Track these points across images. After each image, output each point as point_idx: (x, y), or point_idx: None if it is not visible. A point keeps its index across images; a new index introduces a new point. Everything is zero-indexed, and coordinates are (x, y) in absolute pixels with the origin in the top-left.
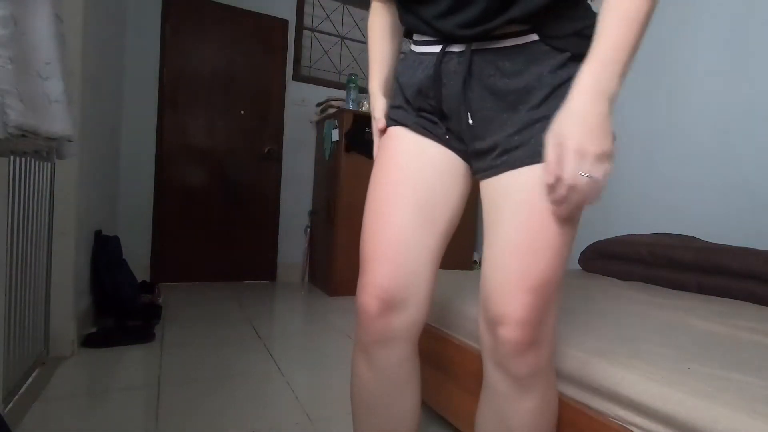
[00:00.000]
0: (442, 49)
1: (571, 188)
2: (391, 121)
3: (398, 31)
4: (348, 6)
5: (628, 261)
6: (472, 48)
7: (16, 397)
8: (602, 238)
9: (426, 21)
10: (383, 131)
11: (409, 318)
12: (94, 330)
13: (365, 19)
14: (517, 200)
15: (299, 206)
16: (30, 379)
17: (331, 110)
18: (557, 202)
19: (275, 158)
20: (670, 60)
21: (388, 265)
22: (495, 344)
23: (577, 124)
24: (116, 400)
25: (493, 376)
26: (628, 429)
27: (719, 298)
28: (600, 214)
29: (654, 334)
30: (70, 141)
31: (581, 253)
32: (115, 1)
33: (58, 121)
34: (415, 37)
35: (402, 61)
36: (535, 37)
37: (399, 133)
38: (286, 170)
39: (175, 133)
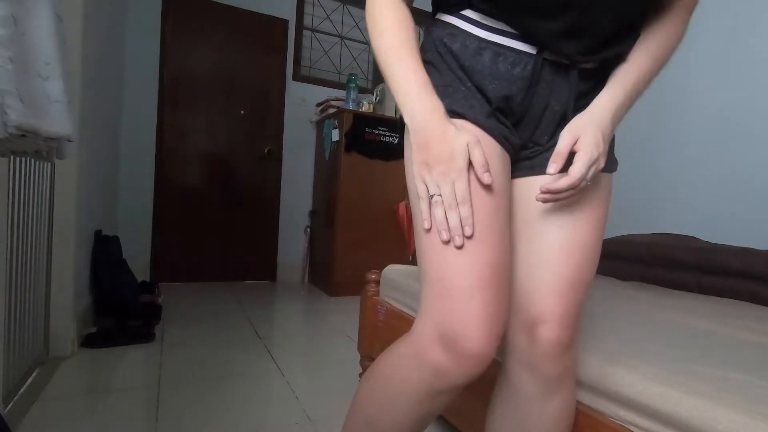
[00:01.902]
0: (539, 52)
1: (575, 188)
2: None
3: (415, 26)
4: (348, 6)
5: (628, 261)
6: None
7: (16, 397)
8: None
9: (539, 36)
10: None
11: None
12: (94, 330)
13: (365, 19)
14: (572, 201)
15: (299, 206)
16: (30, 379)
17: (331, 110)
18: (549, 193)
19: (275, 158)
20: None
21: (496, 294)
22: (532, 345)
23: (601, 139)
24: (116, 400)
25: (520, 378)
26: (628, 429)
27: (719, 298)
28: None
29: (654, 334)
30: (70, 141)
31: None
32: (115, 1)
33: (58, 121)
34: (485, 19)
35: (457, 39)
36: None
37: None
38: (286, 170)
39: (175, 133)
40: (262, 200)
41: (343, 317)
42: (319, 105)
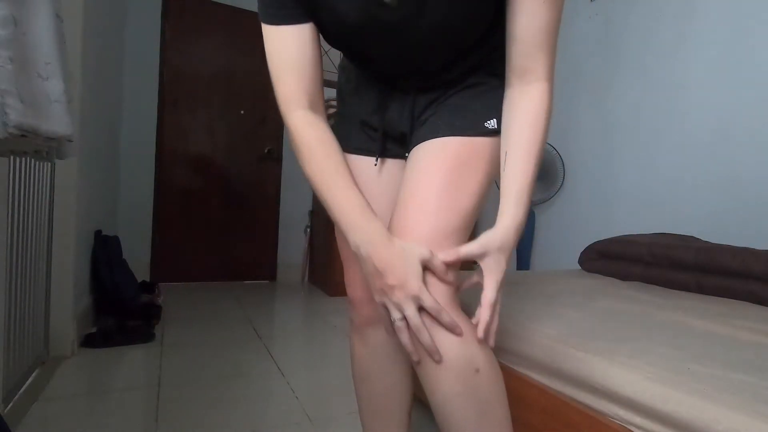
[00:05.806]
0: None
1: (494, 311)
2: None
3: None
4: None
5: (628, 261)
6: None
7: (16, 397)
8: (602, 238)
9: (387, 77)
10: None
11: None
12: (94, 330)
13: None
14: (429, 159)
15: (299, 206)
16: (30, 379)
17: (331, 110)
18: (485, 332)
19: (275, 158)
20: (670, 59)
21: None
22: None
23: (503, 260)
24: (116, 400)
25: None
26: (628, 429)
27: (719, 298)
28: (600, 214)
29: (654, 334)
30: (70, 141)
31: (581, 253)
32: (115, 1)
33: (58, 121)
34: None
35: (344, 72)
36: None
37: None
38: (286, 170)
39: (175, 132)
40: (262, 200)
41: (343, 317)
42: None
